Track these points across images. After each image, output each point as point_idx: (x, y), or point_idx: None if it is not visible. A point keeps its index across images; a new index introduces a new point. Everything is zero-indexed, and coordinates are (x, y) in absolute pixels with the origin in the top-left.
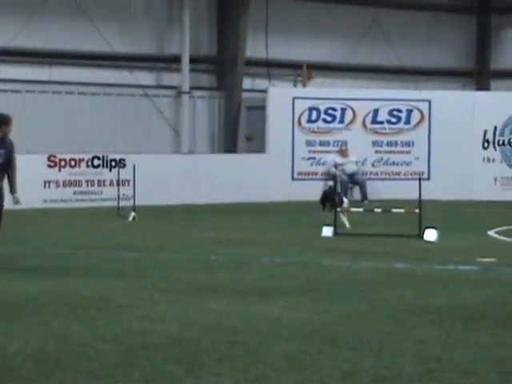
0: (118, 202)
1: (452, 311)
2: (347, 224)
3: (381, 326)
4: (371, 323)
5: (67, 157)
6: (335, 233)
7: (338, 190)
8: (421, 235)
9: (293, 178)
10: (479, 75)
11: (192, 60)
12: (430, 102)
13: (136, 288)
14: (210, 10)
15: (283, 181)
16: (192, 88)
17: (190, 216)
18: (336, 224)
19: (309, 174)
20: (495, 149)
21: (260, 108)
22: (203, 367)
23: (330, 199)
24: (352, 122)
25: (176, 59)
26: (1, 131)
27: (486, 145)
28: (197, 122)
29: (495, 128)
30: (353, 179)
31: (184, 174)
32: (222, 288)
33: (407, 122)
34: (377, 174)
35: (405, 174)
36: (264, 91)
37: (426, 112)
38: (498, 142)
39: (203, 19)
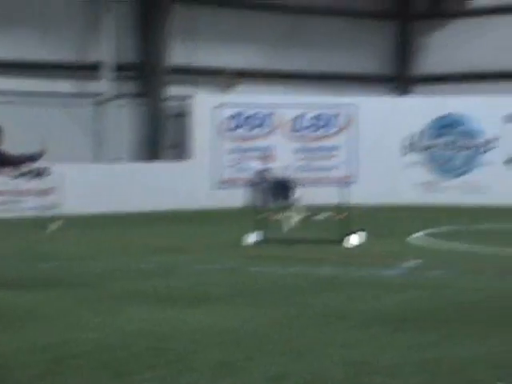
0: (42, 211)
1: (377, 315)
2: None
3: (307, 330)
4: (298, 328)
5: None
6: (261, 239)
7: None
8: (346, 240)
9: (217, 186)
10: (402, 80)
11: (115, 67)
12: (354, 107)
13: (62, 297)
14: (133, 17)
15: (208, 188)
16: (115, 95)
17: (116, 224)
18: (262, 230)
19: (233, 180)
20: (419, 153)
21: (184, 115)
22: (132, 374)
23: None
24: (276, 128)
25: (98, 67)
26: None
27: (409, 149)
28: (121, 130)
29: (418, 132)
30: (277, 185)
31: (108, 183)
32: (151, 295)
33: (331, 127)
34: (301, 179)
35: (330, 179)
36: (188, 98)
37: (350, 117)
38: (421, 146)
39: (126, 26)
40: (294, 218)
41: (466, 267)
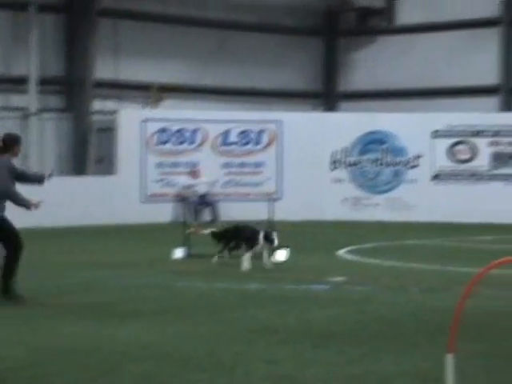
0: None
1: (303, 330)
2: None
3: (234, 346)
4: (224, 344)
5: None
6: (187, 254)
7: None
8: (271, 255)
9: (143, 200)
10: (328, 97)
11: (40, 81)
12: (280, 123)
13: None
14: (58, 31)
15: (135, 202)
16: (40, 110)
17: (43, 239)
18: (187, 245)
19: (160, 195)
20: (344, 169)
21: (110, 130)
22: None
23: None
24: (203, 143)
25: (23, 80)
26: (12, 151)
27: (335, 165)
28: (45, 145)
29: (345, 148)
30: (204, 200)
31: (34, 197)
32: (77, 311)
33: (258, 142)
34: (228, 194)
35: (256, 195)
36: (114, 113)
37: (276, 133)
38: (347, 162)
39: (51, 40)
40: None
41: (390, 283)
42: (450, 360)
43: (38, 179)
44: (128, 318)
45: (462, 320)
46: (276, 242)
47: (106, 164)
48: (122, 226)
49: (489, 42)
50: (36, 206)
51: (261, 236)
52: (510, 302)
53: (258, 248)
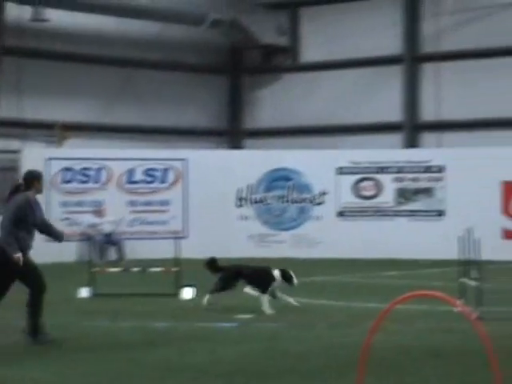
0: None
1: (213, 368)
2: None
3: None
4: (132, 383)
5: None
6: (93, 293)
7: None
8: (179, 294)
9: (48, 239)
10: (233, 134)
11: None
12: (185, 161)
13: None
14: None
15: (38, 242)
16: None
17: None
18: (93, 284)
19: (65, 234)
20: (250, 206)
21: (14, 169)
22: None
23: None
24: (108, 181)
25: None
26: (34, 188)
27: (241, 203)
28: None
29: (249, 186)
30: (109, 239)
31: None
32: None
33: (163, 181)
34: (134, 233)
35: (162, 233)
36: (18, 152)
37: (181, 171)
38: (253, 199)
39: None
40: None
41: (298, 319)
42: None
43: (57, 235)
44: (31, 360)
45: (370, 354)
46: (295, 281)
47: None
48: None
49: (392, 80)
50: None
51: (276, 273)
52: (416, 337)
53: (274, 286)
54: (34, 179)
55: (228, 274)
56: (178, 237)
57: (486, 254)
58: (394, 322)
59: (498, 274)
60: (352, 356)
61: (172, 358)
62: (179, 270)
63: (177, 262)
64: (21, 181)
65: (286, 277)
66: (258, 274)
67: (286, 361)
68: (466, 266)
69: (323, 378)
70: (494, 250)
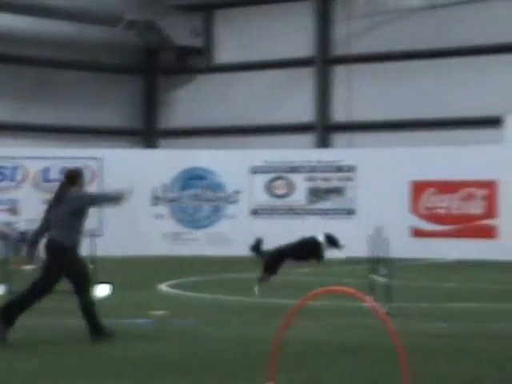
0: None
1: (127, 365)
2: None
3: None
4: (43, 381)
5: None
6: (9, 291)
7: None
8: (93, 291)
9: None
10: (148, 134)
11: None
12: (100, 160)
13: None
14: None
15: None
16: None
17: None
18: (9, 282)
19: None
20: (165, 205)
21: None
22: None
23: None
24: (23, 180)
25: None
26: (77, 184)
27: (155, 201)
28: None
29: (165, 184)
30: (25, 237)
31: None
32: None
33: None
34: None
35: None
36: None
37: (96, 170)
38: (167, 198)
39: None
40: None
41: (210, 316)
42: None
43: (113, 198)
44: None
45: (281, 350)
46: (341, 244)
47: None
48: None
49: (304, 81)
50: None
51: (321, 239)
52: (327, 332)
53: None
54: (75, 176)
55: (272, 259)
56: (92, 235)
57: (395, 252)
58: (305, 318)
59: (406, 271)
60: (264, 352)
61: (83, 354)
62: (94, 268)
63: (92, 259)
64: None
65: (332, 241)
66: (304, 247)
67: (198, 357)
68: (376, 263)
69: (235, 373)
70: (402, 247)
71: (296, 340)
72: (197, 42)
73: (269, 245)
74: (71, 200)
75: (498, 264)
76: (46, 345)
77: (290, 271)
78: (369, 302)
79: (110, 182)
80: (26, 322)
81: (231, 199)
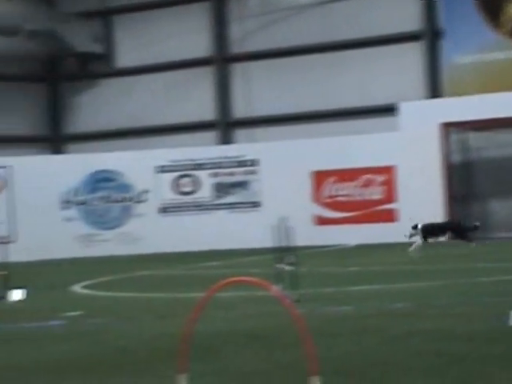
0: None
1: (39, 367)
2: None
3: None
4: None
5: None
6: None
7: None
8: (7, 296)
9: None
10: (54, 140)
11: None
12: (9, 168)
13: None
14: None
15: None
16: None
17: None
18: None
19: None
20: (74, 208)
21: None
22: None
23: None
24: None
25: None
26: None
27: (65, 205)
28: None
29: (73, 188)
30: None
31: None
32: None
33: None
34: None
35: None
36: None
37: (5, 178)
38: (77, 201)
39: None
40: None
41: (124, 314)
42: (182, 380)
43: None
44: None
45: (192, 342)
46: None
47: None
48: None
49: (204, 80)
50: None
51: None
52: (236, 322)
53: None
54: None
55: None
56: (4, 241)
57: (300, 241)
58: (214, 309)
59: (311, 259)
60: (175, 345)
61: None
62: (7, 274)
63: (4, 265)
64: None
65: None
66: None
67: (112, 355)
68: (281, 252)
69: (149, 367)
70: (307, 236)
71: (207, 331)
72: (97, 48)
73: (176, 241)
74: None
75: (399, 246)
76: None
77: (200, 265)
78: (272, 291)
79: (20, 189)
80: None
81: (139, 199)
